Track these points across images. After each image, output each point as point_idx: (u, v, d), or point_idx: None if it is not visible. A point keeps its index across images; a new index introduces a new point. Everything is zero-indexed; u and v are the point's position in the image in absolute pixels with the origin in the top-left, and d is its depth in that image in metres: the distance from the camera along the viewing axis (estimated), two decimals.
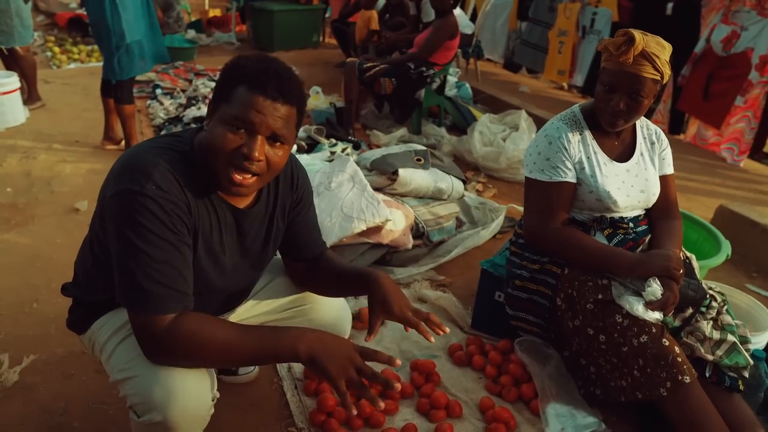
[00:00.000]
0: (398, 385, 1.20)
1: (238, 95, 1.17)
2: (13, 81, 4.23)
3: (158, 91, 5.15)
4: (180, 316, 1.16)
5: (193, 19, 8.42)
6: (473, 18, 6.95)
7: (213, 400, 1.27)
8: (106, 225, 1.20)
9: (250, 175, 1.20)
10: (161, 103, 4.86)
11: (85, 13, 3.81)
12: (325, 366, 1.18)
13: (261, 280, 1.63)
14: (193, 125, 4.29)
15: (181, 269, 1.18)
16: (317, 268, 1.55)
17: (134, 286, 1.14)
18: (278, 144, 1.21)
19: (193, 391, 1.20)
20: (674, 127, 4.98)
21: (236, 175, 1.18)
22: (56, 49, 6.54)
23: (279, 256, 1.65)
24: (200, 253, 1.28)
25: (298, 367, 1.99)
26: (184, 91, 5.22)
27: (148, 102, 4.99)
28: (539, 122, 4.17)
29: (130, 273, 1.14)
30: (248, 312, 1.60)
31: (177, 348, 1.15)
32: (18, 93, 4.30)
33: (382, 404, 1.18)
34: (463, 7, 6.96)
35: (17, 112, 4.31)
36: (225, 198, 1.30)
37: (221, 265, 1.35)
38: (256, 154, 1.17)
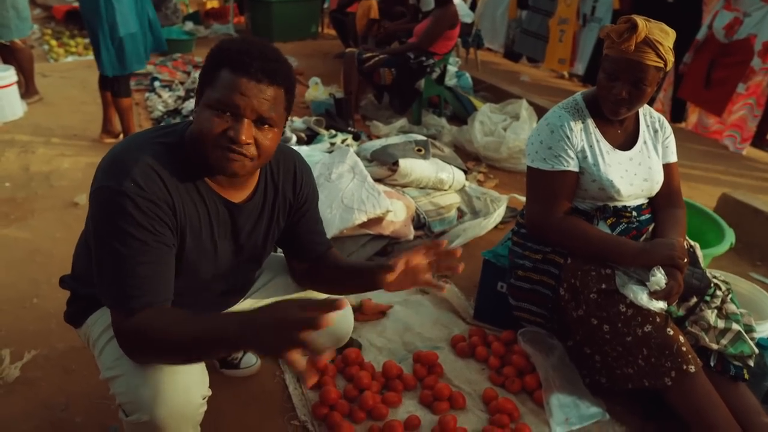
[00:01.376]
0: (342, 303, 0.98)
1: (222, 78, 1.14)
2: (10, 75, 4.20)
3: (156, 83, 5.12)
4: (141, 312, 1.13)
5: (191, 10, 8.36)
6: (473, 7, 6.89)
7: (204, 399, 1.24)
8: (89, 219, 1.19)
9: (241, 156, 1.17)
10: (160, 96, 4.83)
11: (78, 4, 3.75)
12: (262, 345, 0.99)
13: (261, 278, 1.61)
14: (191, 117, 4.27)
15: (155, 270, 1.15)
16: (322, 266, 1.51)
17: (109, 284, 1.14)
18: (266, 127, 1.18)
19: (180, 390, 1.18)
20: (675, 116, 4.94)
21: (230, 154, 1.15)
22: (53, 42, 6.50)
23: (280, 253, 1.63)
24: (189, 250, 1.25)
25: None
26: (182, 83, 5.19)
27: (147, 95, 4.96)
28: (540, 111, 4.15)
29: (105, 269, 1.14)
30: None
31: (142, 343, 1.13)
32: (15, 87, 4.28)
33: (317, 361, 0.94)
34: None
35: (15, 106, 4.28)
36: (218, 191, 1.27)
37: (213, 262, 1.32)
38: (243, 138, 1.14)
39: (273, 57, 1.17)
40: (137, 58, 3.65)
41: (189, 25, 7.46)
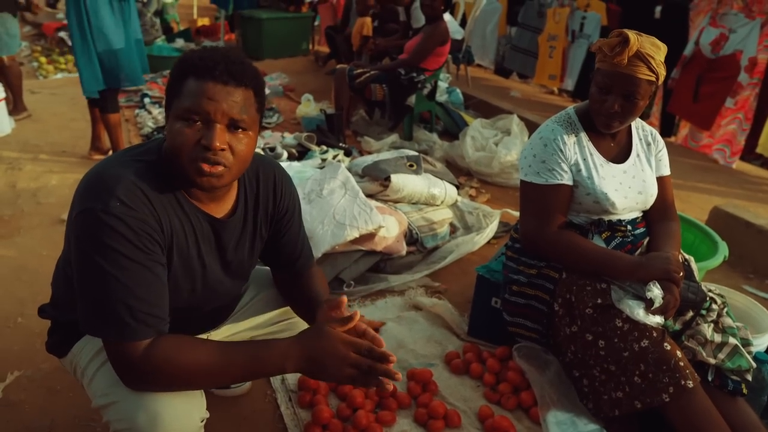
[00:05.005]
0: (390, 386, 1.16)
1: (188, 87, 1.11)
2: None
3: (146, 100, 5.11)
4: (155, 341, 1.09)
5: (181, 28, 8.38)
6: (463, 24, 6.95)
7: (202, 422, 1.21)
8: (71, 246, 1.12)
9: (218, 166, 1.13)
10: (150, 112, 4.82)
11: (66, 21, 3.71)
12: (321, 377, 1.16)
13: (247, 294, 1.58)
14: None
15: (153, 291, 1.11)
16: (299, 284, 1.48)
17: (103, 312, 1.07)
18: (240, 131, 1.14)
19: (179, 414, 1.14)
20: (665, 130, 4.99)
21: (204, 165, 1.11)
22: (43, 59, 6.49)
23: (267, 267, 1.60)
24: (177, 269, 1.21)
25: (292, 379, 1.94)
26: None
27: (137, 111, 4.94)
28: (531, 126, 4.16)
29: (98, 298, 1.07)
30: (235, 328, 1.55)
31: (155, 376, 1.09)
32: (3, 103, 4.25)
33: (390, 386, 1.16)
34: (452, 13, 6.96)
35: (2, 123, 4.25)
36: (201, 207, 1.23)
37: (201, 280, 1.28)
38: (217, 144, 1.10)
39: (237, 59, 1.14)
40: (118, 76, 3.57)
41: (180, 42, 7.47)
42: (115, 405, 1.16)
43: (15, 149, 4.01)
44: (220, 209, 1.27)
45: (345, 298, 1.23)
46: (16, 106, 4.60)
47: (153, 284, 1.11)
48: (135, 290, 1.08)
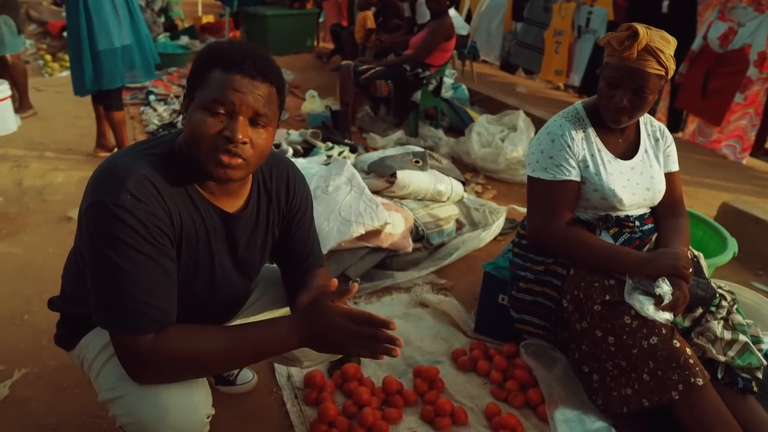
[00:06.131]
0: (396, 352, 1.16)
1: (214, 78, 1.12)
2: (3, 89, 4.17)
3: (152, 97, 5.11)
4: (161, 333, 1.09)
5: (186, 25, 8.38)
6: (468, 19, 6.92)
7: (208, 418, 1.21)
8: (82, 238, 1.13)
9: (237, 158, 1.13)
10: (155, 110, 4.82)
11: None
12: (326, 350, 1.19)
13: (256, 292, 1.57)
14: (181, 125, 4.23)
15: (162, 284, 1.11)
16: (306, 284, 1.46)
17: (112, 304, 1.08)
18: (261, 126, 1.15)
19: (185, 409, 1.13)
20: (672, 125, 4.95)
21: (224, 156, 1.12)
22: (48, 57, 6.50)
23: (275, 265, 1.59)
24: (187, 262, 1.21)
25: (298, 376, 1.94)
26: (177, 97, 5.18)
27: (142, 108, 4.94)
28: (537, 122, 4.14)
29: (107, 291, 1.08)
30: None
31: (163, 367, 1.09)
32: (9, 101, 4.25)
33: (396, 352, 1.15)
34: (457, 9, 6.94)
35: (8, 121, 4.25)
36: (212, 201, 1.23)
37: (211, 274, 1.28)
38: (240, 136, 1.11)
39: (264, 56, 1.16)
40: (119, 75, 3.55)
41: (184, 40, 7.46)
42: (122, 399, 1.16)
43: (21, 147, 4.01)
44: (233, 204, 1.27)
45: (356, 285, 1.23)
46: (21, 104, 4.60)
47: (162, 278, 1.11)
48: (143, 283, 1.08)
